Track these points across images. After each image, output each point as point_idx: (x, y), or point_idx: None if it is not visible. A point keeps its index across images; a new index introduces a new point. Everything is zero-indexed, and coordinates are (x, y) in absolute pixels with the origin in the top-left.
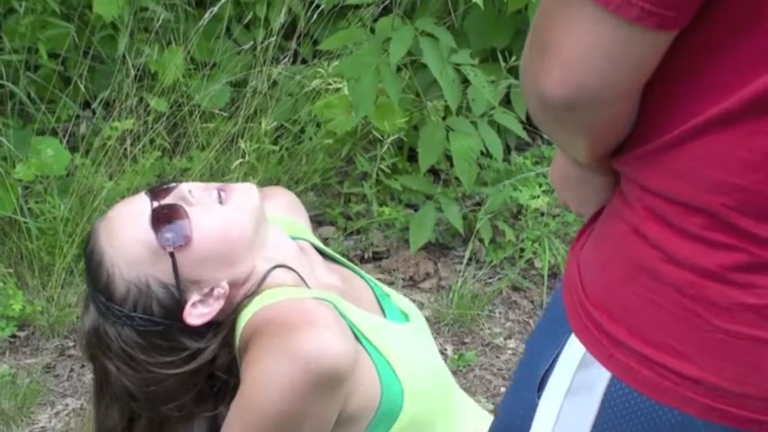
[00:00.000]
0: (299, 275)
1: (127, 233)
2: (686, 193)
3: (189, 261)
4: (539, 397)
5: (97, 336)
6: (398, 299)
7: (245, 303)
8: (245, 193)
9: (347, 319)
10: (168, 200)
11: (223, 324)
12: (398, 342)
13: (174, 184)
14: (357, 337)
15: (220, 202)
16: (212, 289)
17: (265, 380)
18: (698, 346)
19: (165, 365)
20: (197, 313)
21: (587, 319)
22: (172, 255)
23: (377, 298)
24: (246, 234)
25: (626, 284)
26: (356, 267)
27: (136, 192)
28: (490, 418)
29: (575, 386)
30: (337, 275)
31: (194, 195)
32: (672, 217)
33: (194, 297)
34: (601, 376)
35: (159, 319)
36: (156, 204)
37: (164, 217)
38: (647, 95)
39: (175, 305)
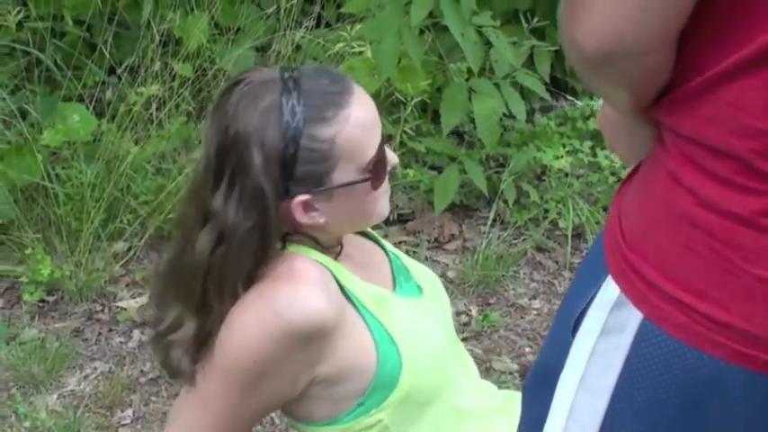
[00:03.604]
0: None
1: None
2: (716, 137)
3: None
4: (573, 337)
5: (261, 122)
6: (420, 272)
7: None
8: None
9: (346, 288)
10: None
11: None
12: (401, 316)
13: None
14: (356, 306)
15: None
16: (321, 219)
17: (237, 326)
18: (728, 291)
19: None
20: (300, 205)
21: (623, 261)
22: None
23: (393, 271)
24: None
25: (661, 227)
26: (380, 239)
27: (162, 158)
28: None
29: (608, 327)
30: (356, 246)
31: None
32: (704, 161)
33: (315, 200)
34: (633, 317)
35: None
36: None
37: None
38: (679, 41)
39: (313, 181)
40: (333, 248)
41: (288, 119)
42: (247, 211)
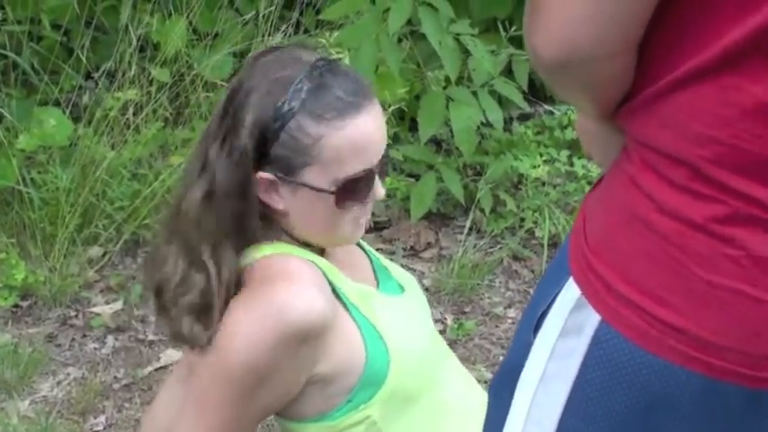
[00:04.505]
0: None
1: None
2: (671, 144)
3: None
4: (535, 337)
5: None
6: (398, 272)
7: (262, 242)
8: None
9: (335, 287)
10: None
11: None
12: (387, 313)
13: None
14: (345, 304)
15: None
16: (279, 204)
17: (235, 329)
18: (683, 296)
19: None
20: (264, 182)
21: (584, 263)
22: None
23: (374, 270)
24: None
25: (621, 232)
26: (360, 241)
27: (138, 164)
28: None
29: (567, 328)
30: (340, 246)
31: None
32: (661, 168)
33: (281, 185)
34: (591, 319)
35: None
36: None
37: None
38: (639, 50)
39: (283, 167)
40: (312, 249)
41: (288, 98)
42: (233, 170)
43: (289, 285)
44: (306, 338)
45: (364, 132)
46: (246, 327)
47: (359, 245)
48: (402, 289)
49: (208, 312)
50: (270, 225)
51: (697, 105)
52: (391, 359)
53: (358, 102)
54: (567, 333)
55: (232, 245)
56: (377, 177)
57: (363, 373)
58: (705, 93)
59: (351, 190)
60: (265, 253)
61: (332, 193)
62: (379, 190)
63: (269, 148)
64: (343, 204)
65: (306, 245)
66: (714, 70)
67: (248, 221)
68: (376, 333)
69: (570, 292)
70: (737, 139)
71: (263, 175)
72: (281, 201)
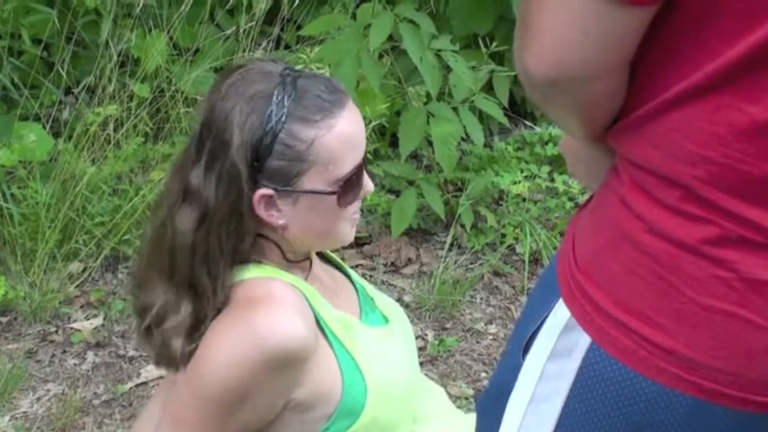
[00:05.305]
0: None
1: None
2: (663, 164)
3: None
4: (524, 358)
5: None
6: (384, 302)
7: (251, 263)
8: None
9: (317, 313)
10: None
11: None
12: (368, 343)
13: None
14: (324, 332)
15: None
16: (280, 220)
17: (215, 350)
18: (673, 317)
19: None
20: (263, 199)
21: (574, 284)
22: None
23: (359, 300)
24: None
25: (611, 253)
26: (348, 270)
27: (118, 179)
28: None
29: (557, 350)
30: (327, 274)
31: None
32: (653, 188)
33: (280, 199)
34: (581, 341)
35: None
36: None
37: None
38: (631, 70)
39: (281, 179)
40: (300, 264)
41: (273, 109)
42: (226, 192)
43: (271, 309)
44: (286, 363)
45: (353, 128)
46: (227, 348)
47: (347, 275)
48: (386, 320)
49: (197, 332)
50: (261, 243)
51: (690, 125)
52: (369, 390)
53: (339, 99)
54: (556, 355)
55: (226, 264)
56: (364, 170)
57: (340, 403)
58: (698, 112)
59: (349, 187)
60: (250, 275)
61: (334, 193)
62: (369, 183)
63: (263, 164)
64: (344, 203)
65: (293, 264)
66: (708, 90)
67: (243, 241)
68: (353, 363)
69: (560, 313)
70: (730, 158)
71: (261, 191)
72: (280, 216)
